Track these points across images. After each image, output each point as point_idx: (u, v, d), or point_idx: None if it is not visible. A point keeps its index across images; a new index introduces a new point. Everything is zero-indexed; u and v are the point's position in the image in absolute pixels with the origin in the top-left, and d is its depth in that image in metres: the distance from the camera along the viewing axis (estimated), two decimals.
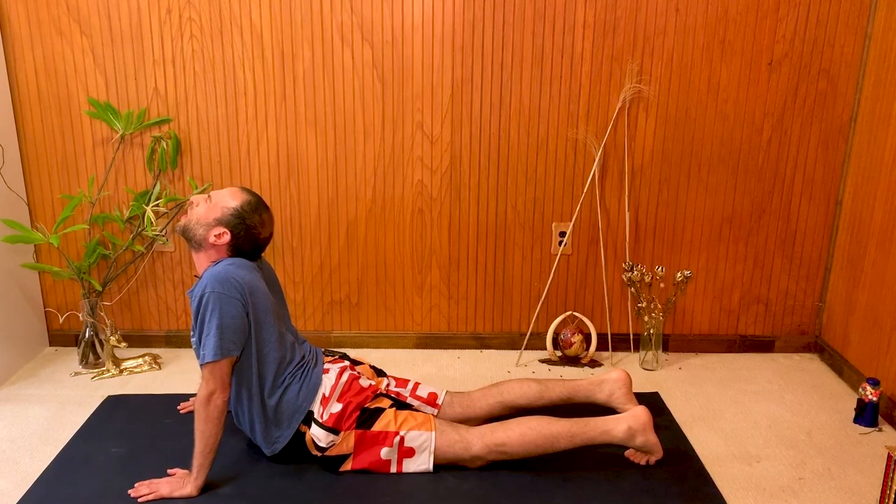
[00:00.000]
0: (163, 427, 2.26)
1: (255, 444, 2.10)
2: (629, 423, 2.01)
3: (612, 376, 2.23)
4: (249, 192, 2.03)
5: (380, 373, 2.23)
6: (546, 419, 2.01)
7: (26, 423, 2.31)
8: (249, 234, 1.99)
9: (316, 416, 1.99)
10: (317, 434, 1.98)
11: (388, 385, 2.17)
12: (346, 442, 1.99)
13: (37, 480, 1.99)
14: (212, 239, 1.97)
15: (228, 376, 1.92)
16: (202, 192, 2.69)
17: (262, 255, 2.14)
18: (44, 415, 2.36)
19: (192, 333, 1.97)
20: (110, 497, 1.92)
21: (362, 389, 2.04)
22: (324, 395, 2.01)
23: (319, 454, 2.00)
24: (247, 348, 1.96)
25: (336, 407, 1.99)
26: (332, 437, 1.98)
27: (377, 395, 2.06)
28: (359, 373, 2.11)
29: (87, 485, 1.97)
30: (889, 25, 2.43)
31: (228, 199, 1.98)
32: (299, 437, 2.01)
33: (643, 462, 2.07)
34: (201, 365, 1.91)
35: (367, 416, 1.99)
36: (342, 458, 2.00)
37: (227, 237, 1.97)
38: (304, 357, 2.07)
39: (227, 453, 2.10)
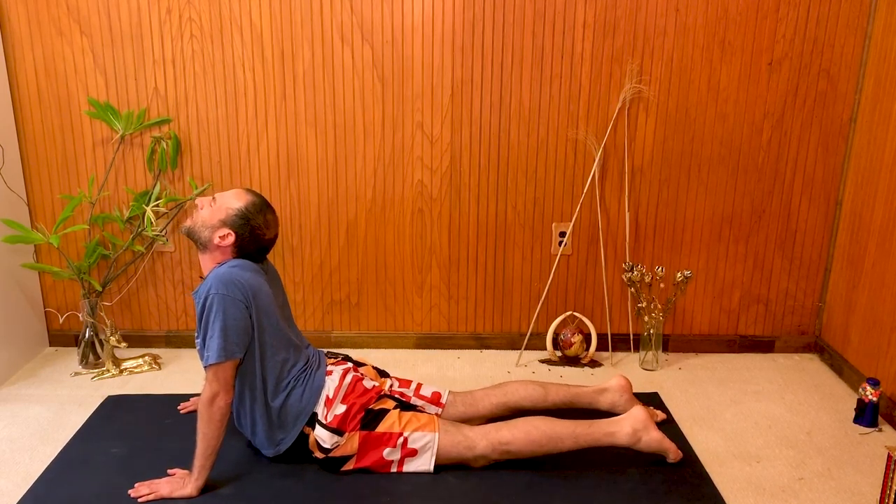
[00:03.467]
0: (163, 427, 2.26)
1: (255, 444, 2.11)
2: (632, 424, 2.02)
3: (612, 384, 2.24)
4: (254, 193, 2.02)
5: (383, 374, 2.23)
6: (551, 419, 2.02)
7: (26, 423, 2.31)
8: (254, 234, 1.99)
9: (320, 417, 1.99)
10: (321, 435, 1.98)
11: (391, 386, 2.17)
12: (351, 443, 1.99)
13: (37, 480, 1.99)
14: (216, 240, 1.97)
15: (232, 378, 1.92)
16: (202, 192, 2.69)
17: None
18: (44, 415, 2.36)
19: (196, 335, 1.97)
20: (110, 497, 1.91)
21: (366, 391, 2.04)
22: (328, 396, 2.00)
23: (323, 455, 2.00)
24: (250, 350, 1.96)
25: (340, 408, 1.99)
26: (336, 438, 1.98)
27: (381, 397, 2.07)
28: (362, 374, 2.11)
29: (87, 485, 1.97)
30: (889, 25, 2.43)
31: (233, 201, 1.98)
32: (302, 438, 2.01)
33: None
34: (205, 367, 1.91)
35: (372, 418, 1.99)
36: (345, 459, 2.00)
37: (231, 238, 1.97)
38: (307, 360, 2.07)
39: (228, 453, 2.10)
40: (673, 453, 2.06)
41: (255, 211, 1.98)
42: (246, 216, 1.97)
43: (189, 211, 2.70)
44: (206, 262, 2.02)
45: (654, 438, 2.03)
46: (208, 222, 1.97)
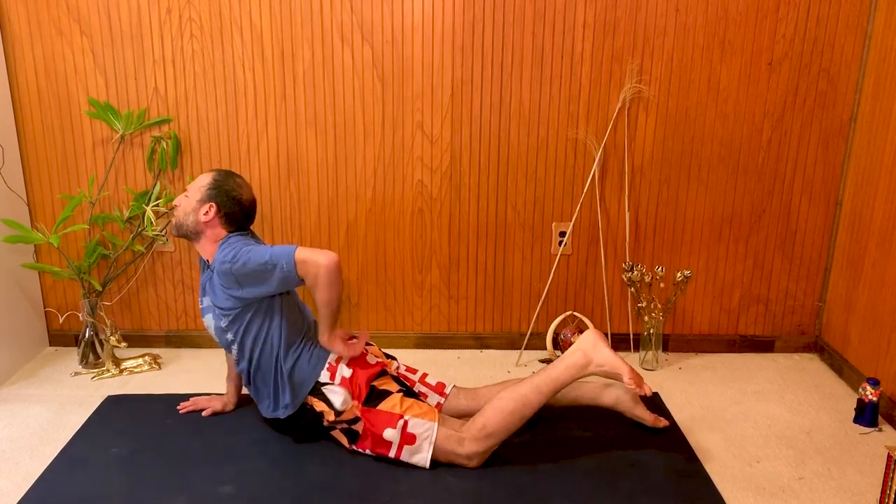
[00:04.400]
0: (163, 427, 2.26)
1: (255, 438, 2.13)
2: (580, 346, 2.06)
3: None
4: (216, 169, 2.15)
5: (390, 357, 2.26)
6: (510, 388, 2.06)
7: (26, 423, 2.31)
8: (231, 197, 2.08)
9: (325, 381, 2.05)
10: (333, 394, 2.03)
11: (397, 368, 2.21)
12: (352, 413, 2.03)
13: (37, 480, 1.99)
14: (202, 217, 2.07)
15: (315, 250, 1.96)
16: None
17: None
18: (44, 415, 2.36)
19: (200, 299, 2.09)
20: (110, 497, 1.92)
21: (369, 364, 2.09)
22: (330, 363, 2.07)
23: (335, 417, 2.03)
24: (268, 312, 2.04)
25: (346, 371, 2.05)
26: (346, 395, 2.03)
27: (384, 374, 2.11)
28: (367, 350, 2.16)
29: (87, 485, 1.97)
30: (889, 25, 2.43)
31: (201, 181, 2.12)
32: (306, 408, 2.07)
33: (637, 392, 2.05)
34: (292, 264, 1.91)
35: (375, 396, 2.03)
36: (353, 422, 2.04)
37: (213, 208, 2.07)
38: (310, 328, 2.15)
39: (228, 452, 2.11)
40: (627, 376, 2.01)
41: (222, 179, 2.11)
42: (217, 185, 2.09)
43: None
44: (206, 247, 2.10)
45: (604, 356, 2.03)
46: (188, 208, 2.09)
